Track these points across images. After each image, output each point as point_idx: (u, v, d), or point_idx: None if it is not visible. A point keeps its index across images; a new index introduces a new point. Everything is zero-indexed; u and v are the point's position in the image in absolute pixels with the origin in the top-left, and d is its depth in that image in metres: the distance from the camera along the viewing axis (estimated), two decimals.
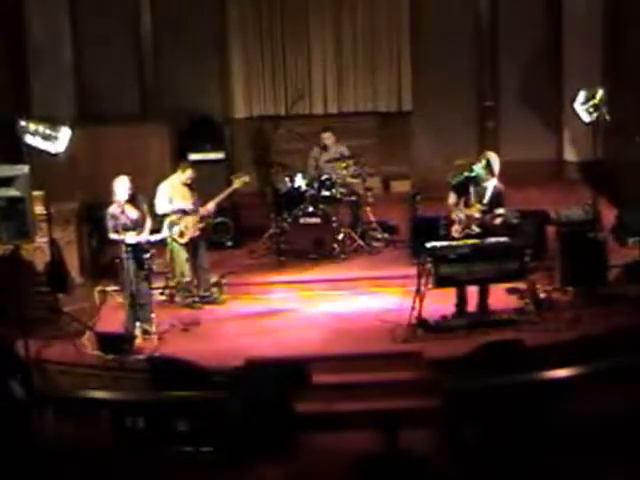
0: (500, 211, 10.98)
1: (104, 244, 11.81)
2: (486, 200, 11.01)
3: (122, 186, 10.89)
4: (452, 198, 11.17)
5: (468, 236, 11.01)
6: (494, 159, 11.04)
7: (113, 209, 10.95)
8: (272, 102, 15.89)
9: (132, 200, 10.96)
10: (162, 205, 11.64)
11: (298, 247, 12.92)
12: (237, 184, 12.24)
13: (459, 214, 11.09)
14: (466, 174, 11.11)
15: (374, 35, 15.78)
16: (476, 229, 11.05)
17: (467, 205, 11.10)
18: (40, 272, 11.70)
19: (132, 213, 10.94)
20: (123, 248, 10.78)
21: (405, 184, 15.69)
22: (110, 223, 10.93)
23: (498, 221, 11.01)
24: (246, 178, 12.34)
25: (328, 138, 13.67)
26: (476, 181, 11.06)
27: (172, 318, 11.41)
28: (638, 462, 8.53)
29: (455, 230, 11.11)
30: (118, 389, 9.94)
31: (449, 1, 15.76)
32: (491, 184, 11.03)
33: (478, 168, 11.01)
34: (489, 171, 10.99)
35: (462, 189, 11.12)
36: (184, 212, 11.65)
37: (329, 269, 12.68)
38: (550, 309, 11.14)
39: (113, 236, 10.93)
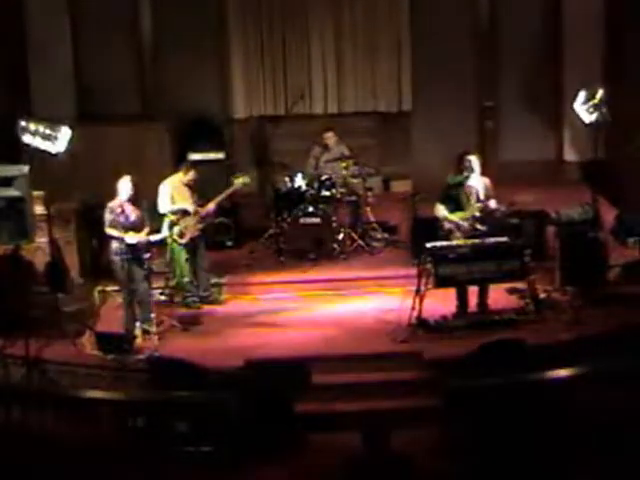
0: (493, 203, 11.03)
1: (104, 244, 11.79)
2: (482, 196, 11.05)
3: (122, 186, 10.89)
4: (441, 210, 11.14)
5: (474, 236, 11.01)
6: (475, 160, 11.14)
7: (113, 204, 10.91)
8: (272, 102, 15.88)
9: (132, 201, 10.95)
10: (164, 204, 11.64)
11: (298, 247, 12.92)
12: (237, 184, 12.24)
13: (458, 222, 11.08)
14: (466, 174, 11.13)
15: (374, 35, 15.78)
16: (480, 227, 11.05)
17: (461, 209, 11.10)
18: (40, 272, 11.69)
19: (131, 214, 10.92)
20: (121, 247, 10.75)
21: (405, 184, 15.69)
22: (109, 217, 10.89)
23: (498, 214, 11.08)
24: (246, 178, 12.35)
25: (330, 138, 13.65)
26: (461, 183, 11.10)
27: (172, 318, 11.41)
28: (638, 462, 8.53)
29: (456, 237, 11.07)
30: (118, 389, 9.94)
31: (449, 1, 15.77)
32: (478, 180, 11.08)
33: (467, 171, 11.07)
34: (472, 170, 11.08)
35: (450, 196, 11.12)
36: (186, 212, 11.65)
37: (329, 269, 12.68)
38: (550, 309, 11.14)
39: (110, 231, 10.88)
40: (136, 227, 10.92)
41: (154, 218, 11.39)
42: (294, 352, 10.49)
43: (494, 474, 8.65)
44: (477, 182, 11.12)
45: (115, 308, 11.59)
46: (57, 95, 14.90)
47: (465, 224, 11.08)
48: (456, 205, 11.11)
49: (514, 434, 8.96)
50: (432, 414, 9.39)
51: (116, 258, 10.81)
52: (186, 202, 11.71)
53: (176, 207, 11.65)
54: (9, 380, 9.97)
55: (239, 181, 12.26)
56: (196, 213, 11.71)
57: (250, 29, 15.74)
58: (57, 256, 11.84)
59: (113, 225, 10.88)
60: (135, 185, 10.91)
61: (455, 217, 11.11)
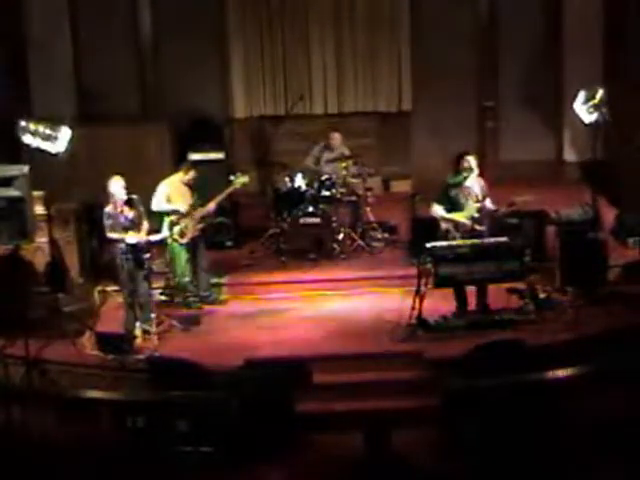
0: (489, 203, 11.04)
1: (104, 244, 11.80)
2: (480, 196, 11.06)
3: (117, 186, 10.87)
4: (439, 210, 11.13)
5: (472, 236, 11.01)
6: (474, 161, 11.14)
7: (110, 209, 10.92)
8: (272, 102, 15.90)
9: (128, 200, 10.92)
10: (158, 203, 11.63)
11: (298, 247, 12.92)
12: (237, 184, 12.24)
13: (458, 221, 11.08)
14: (465, 174, 11.13)
15: (374, 35, 15.78)
16: (479, 228, 11.05)
17: (458, 209, 11.09)
18: (40, 272, 11.69)
19: (129, 213, 10.91)
20: (121, 247, 10.76)
21: (405, 184, 15.70)
22: (107, 222, 10.89)
23: (498, 214, 11.11)
24: (246, 178, 12.33)
25: (336, 138, 13.64)
26: (459, 183, 11.10)
27: (172, 318, 11.41)
28: (638, 462, 8.53)
29: (453, 237, 11.05)
30: (118, 389, 9.94)
31: (449, 1, 15.77)
32: (476, 180, 11.09)
33: (466, 172, 11.08)
34: (471, 171, 11.10)
35: (448, 196, 11.11)
36: (178, 213, 11.61)
37: (329, 269, 12.68)
38: (550, 309, 11.14)
39: (111, 235, 10.90)
40: (135, 225, 10.91)
41: (150, 217, 11.38)
42: (294, 352, 10.49)
43: (494, 474, 8.65)
44: (474, 183, 11.12)
45: (115, 308, 11.60)
46: (57, 95, 14.90)
47: (466, 224, 11.07)
48: (453, 205, 11.10)
49: (514, 434, 8.96)
50: (432, 414, 9.39)
51: (118, 259, 10.81)
52: (185, 202, 11.70)
53: (168, 207, 11.63)
54: (9, 380, 9.96)
55: (239, 181, 12.25)
56: (188, 214, 11.68)
57: (250, 29, 15.74)
58: (57, 256, 11.84)
59: (113, 228, 10.88)
60: (129, 183, 10.92)
61: (453, 217, 11.09)
